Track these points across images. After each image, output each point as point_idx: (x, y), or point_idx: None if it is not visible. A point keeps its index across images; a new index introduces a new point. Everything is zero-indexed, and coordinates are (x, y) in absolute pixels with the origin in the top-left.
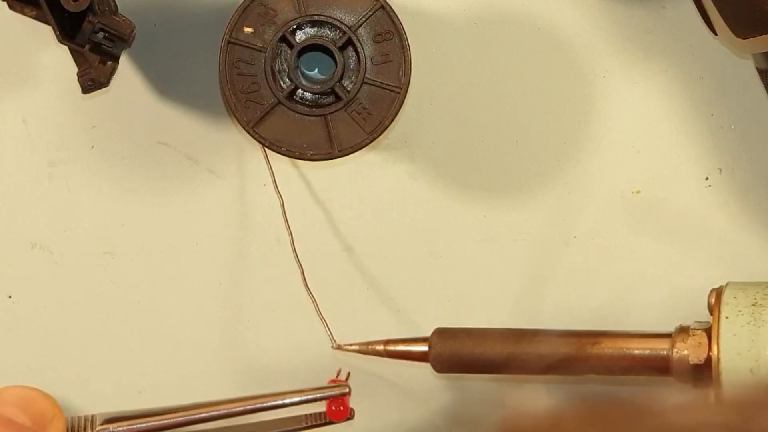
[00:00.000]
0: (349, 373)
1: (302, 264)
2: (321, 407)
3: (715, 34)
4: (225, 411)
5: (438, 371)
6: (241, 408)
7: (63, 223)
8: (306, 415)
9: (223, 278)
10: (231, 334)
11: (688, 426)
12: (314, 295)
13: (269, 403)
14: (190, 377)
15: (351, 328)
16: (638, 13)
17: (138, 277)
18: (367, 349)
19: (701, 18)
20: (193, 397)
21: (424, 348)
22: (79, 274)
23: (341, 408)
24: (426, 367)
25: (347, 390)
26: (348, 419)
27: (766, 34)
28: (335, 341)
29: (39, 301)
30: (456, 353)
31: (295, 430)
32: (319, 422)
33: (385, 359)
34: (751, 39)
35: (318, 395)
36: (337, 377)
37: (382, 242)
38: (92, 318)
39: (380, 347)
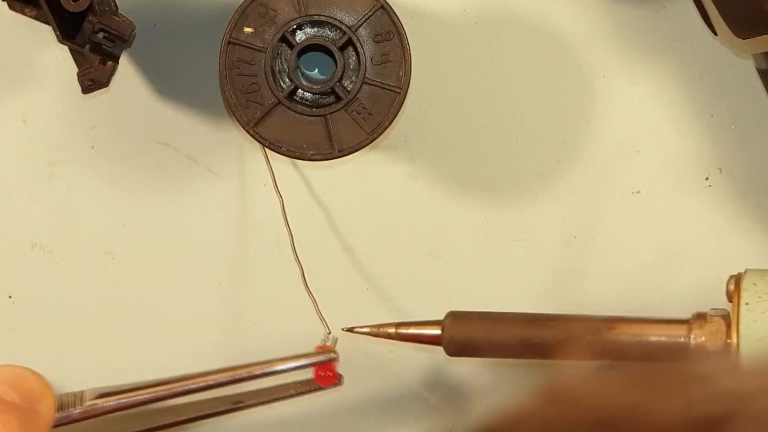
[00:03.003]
0: (336, 338)
1: (302, 264)
2: (309, 374)
3: (715, 34)
4: (213, 381)
5: (451, 355)
6: (229, 377)
7: (63, 223)
8: (294, 382)
9: (223, 278)
10: (231, 333)
11: (741, 391)
12: (314, 295)
13: (257, 372)
14: None
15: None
16: (638, 13)
17: (138, 277)
18: (378, 332)
19: (701, 18)
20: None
21: (437, 331)
22: (79, 274)
23: (329, 373)
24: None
25: (334, 355)
26: (336, 385)
27: (766, 34)
28: (344, 326)
29: (39, 301)
30: (470, 336)
31: (284, 397)
32: (307, 389)
33: (396, 342)
34: (751, 39)
35: (305, 362)
36: (323, 344)
37: (382, 242)
38: (92, 318)
39: (392, 330)
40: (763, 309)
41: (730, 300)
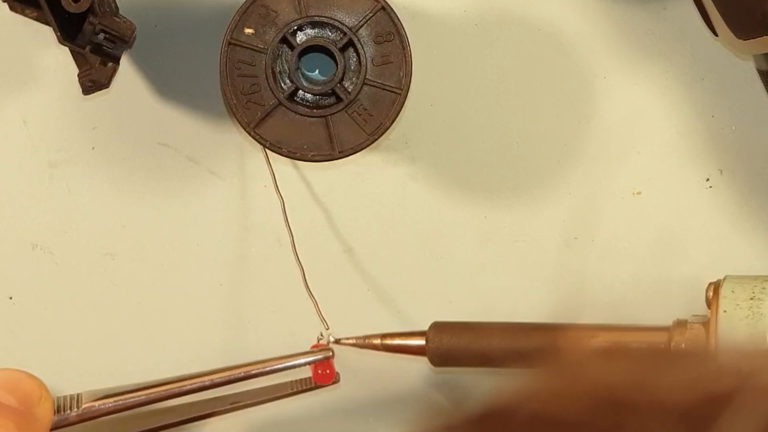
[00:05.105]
0: (330, 337)
1: (303, 265)
2: (306, 373)
3: (716, 35)
4: (209, 381)
5: (435, 365)
6: (226, 377)
7: (64, 225)
8: (292, 381)
9: (223, 279)
10: (232, 334)
11: (744, 368)
12: (315, 296)
13: (254, 371)
14: None
15: (352, 329)
16: (639, 14)
17: (139, 278)
18: (364, 343)
19: (702, 19)
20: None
21: (421, 342)
22: (79, 275)
23: (327, 371)
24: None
25: (331, 353)
26: (334, 382)
27: (767, 35)
28: (332, 336)
29: (40, 302)
30: (453, 347)
31: (282, 396)
32: (305, 387)
33: (383, 353)
34: (752, 40)
35: (302, 360)
36: (318, 342)
37: (382, 243)
38: (93, 319)
39: (377, 341)
40: (740, 317)
41: (709, 307)
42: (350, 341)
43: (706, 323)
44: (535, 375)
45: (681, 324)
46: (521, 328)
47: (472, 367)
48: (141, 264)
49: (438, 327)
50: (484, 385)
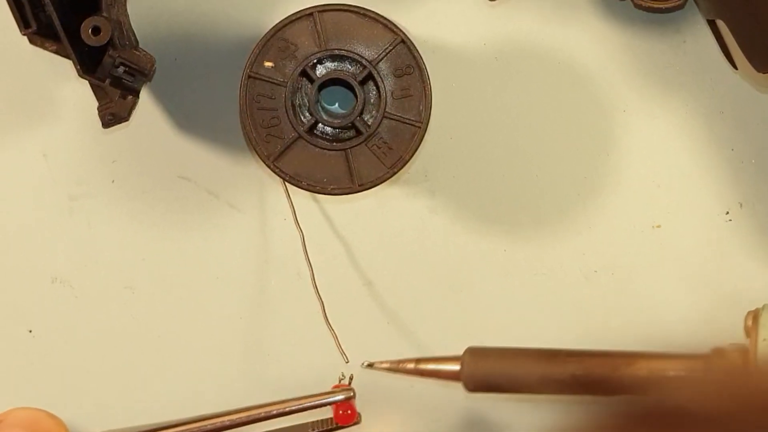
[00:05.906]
0: (351, 376)
1: (323, 298)
2: (328, 413)
3: (736, 68)
4: (230, 421)
5: (470, 391)
6: (247, 417)
7: (83, 258)
8: (313, 421)
9: (243, 312)
10: (252, 367)
11: None
12: (335, 329)
13: (275, 411)
14: (212, 411)
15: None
16: (659, 47)
17: (158, 311)
18: (398, 368)
19: (722, 52)
20: None
21: (456, 367)
22: (99, 309)
23: (349, 412)
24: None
25: (352, 394)
26: (355, 423)
27: None
28: (365, 361)
29: (59, 336)
30: (488, 373)
31: None
32: (327, 428)
33: (416, 377)
34: None
35: (324, 401)
36: (340, 382)
37: (402, 276)
38: (113, 352)
39: (411, 365)
40: None
41: (747, 335)
42: (384, 365)
43: (743, 350)
44: (703, 377)
45: (719, 351)
46: (557, 354)
47: (506, 393)
48: (160, 297)
49: (473, 352)
50: (513, 419)
